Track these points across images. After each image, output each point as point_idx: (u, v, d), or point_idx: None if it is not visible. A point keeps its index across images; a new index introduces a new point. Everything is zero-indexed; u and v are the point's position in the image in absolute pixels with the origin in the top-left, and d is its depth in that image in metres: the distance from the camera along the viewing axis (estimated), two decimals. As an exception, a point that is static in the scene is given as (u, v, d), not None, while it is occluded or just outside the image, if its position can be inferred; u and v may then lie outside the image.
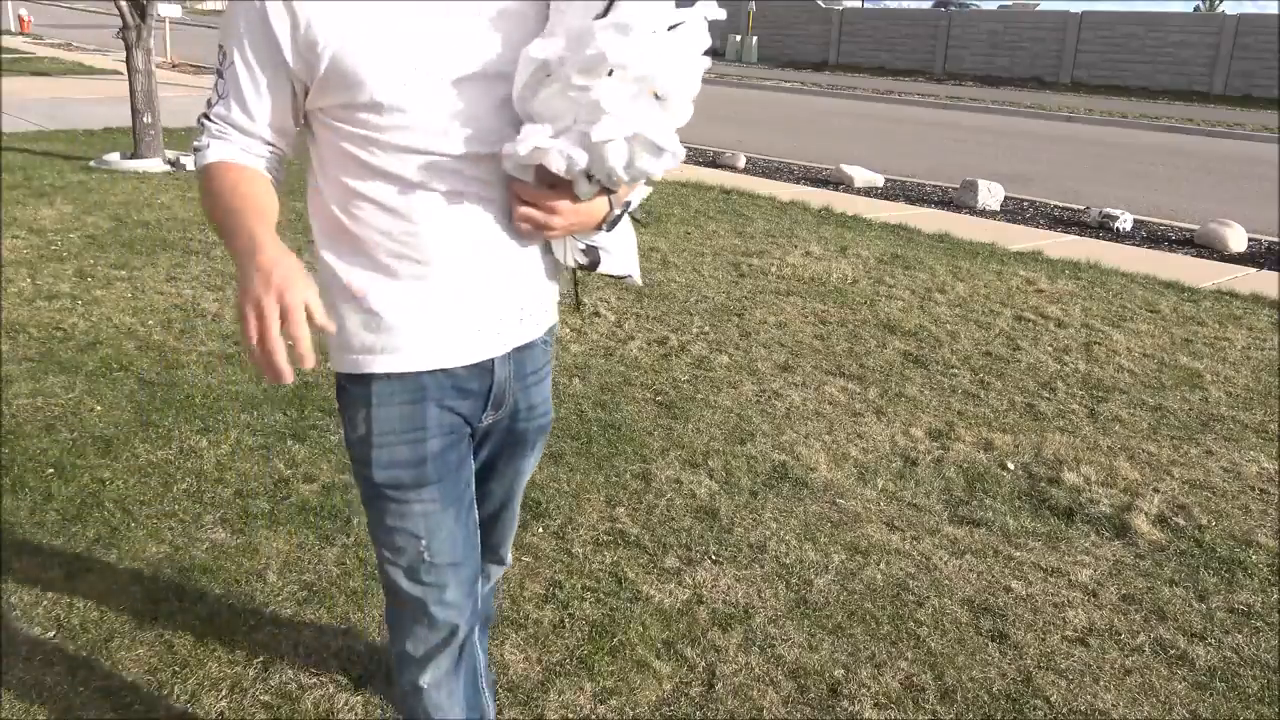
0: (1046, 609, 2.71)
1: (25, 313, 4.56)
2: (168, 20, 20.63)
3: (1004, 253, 6.92)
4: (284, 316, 1.14)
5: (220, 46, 1.36)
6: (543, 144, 1.32)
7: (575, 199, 1.41)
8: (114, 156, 8.42)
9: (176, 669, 2.28)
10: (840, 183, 9.73)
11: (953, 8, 33.22)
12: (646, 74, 1.30)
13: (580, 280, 1.75)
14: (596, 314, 5.01)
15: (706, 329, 4.90)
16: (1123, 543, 3.08)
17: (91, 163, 8.32)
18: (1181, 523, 3.21)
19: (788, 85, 23.63)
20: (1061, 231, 7.98)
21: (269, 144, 1.41)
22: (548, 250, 1.54)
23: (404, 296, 1.42)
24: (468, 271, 1.43)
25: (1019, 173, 11.28)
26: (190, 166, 7.92)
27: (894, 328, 5.06)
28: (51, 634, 2.38)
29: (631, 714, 2.23)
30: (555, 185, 1.39)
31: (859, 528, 3.08)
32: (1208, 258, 7.29)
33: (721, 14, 1.37)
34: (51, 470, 3.14)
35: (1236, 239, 7.55)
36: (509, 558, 1.93)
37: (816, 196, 8.71)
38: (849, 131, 15.18)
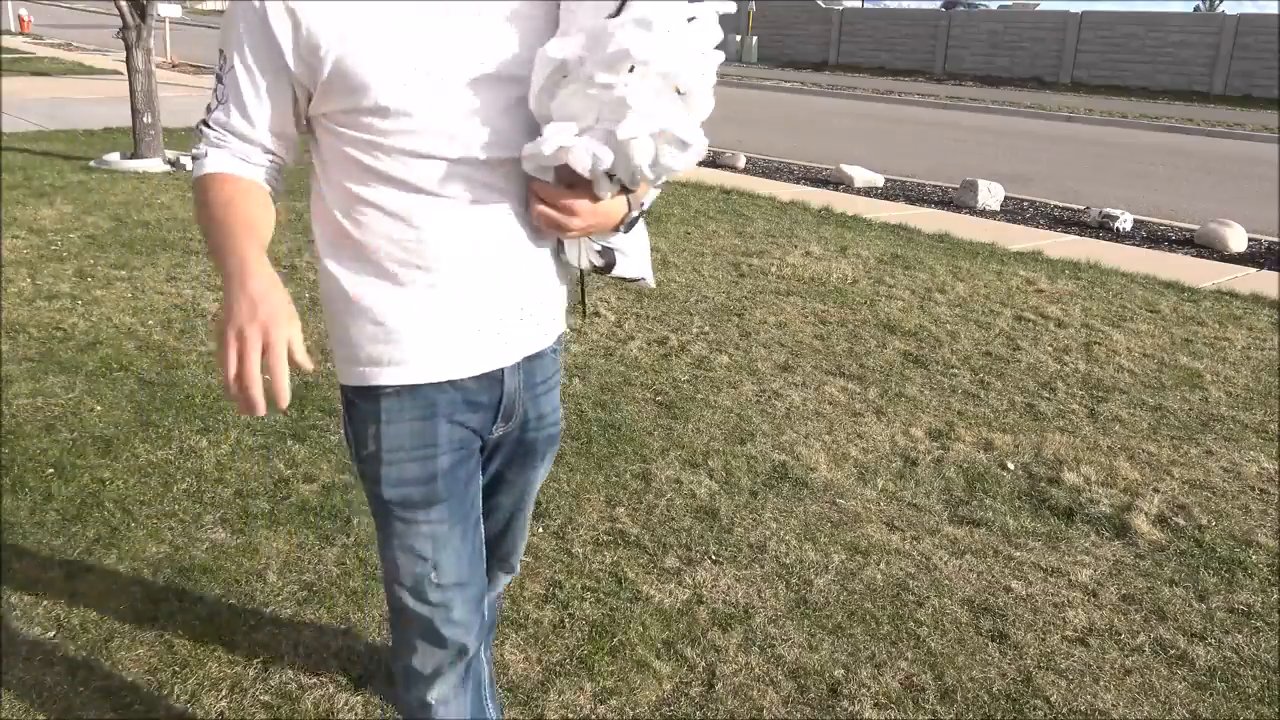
0: (1046, 609, 2.71)
1: (25, 313, 4.56)
2: (168, 20, 20.64)
3: (1004, 253, 6.93)
4: (265, 350, 1.13)
5: (220, 51, 1.35)
6: (568, 142, 1.30)
7: (595, 199, 1.39)
8: (114, 156, 8.42)
9: (176, 669, 2.28)
10: (840, 183, 9.73)
11: (961, 8, 33.17)
12: (670, 70, 1.28)
13: (586, 285, 1.73)
14: (596, 314, 5.01)
15: (706, 329, 4.90)
16: (1123, 543, 3.08)
17: (91, 163, 8.32)
18: (1181, 523, 3.21)
19: (788, 85, 23.63)
20: (1061, 231, 7.98)
21: (269, 152, 1.39)
22: (554, 254, 1.51)
23: (409, 304, 1.40)
24: (469, 274, 1.41)
25: (1019, 173, 11.28)
26: (190, 167, 7.94)
27: (894, 328, 5.06)
28: (51, 634, 2.38)
29: (631, 714, 2.23)
30: (573, 186, 1.37)
31: (859, 528, 3.08)
32: (1208, 258, 7.29)
33: (732, 7, 1.36)
34: (51, 470, 3.14)
35: (1236, 239, 7.55)
36: (518, 566, 1.92)
37: (816, 196, 8.71)
38: (849, 131, 15.18)
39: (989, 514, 3.20)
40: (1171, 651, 2.55)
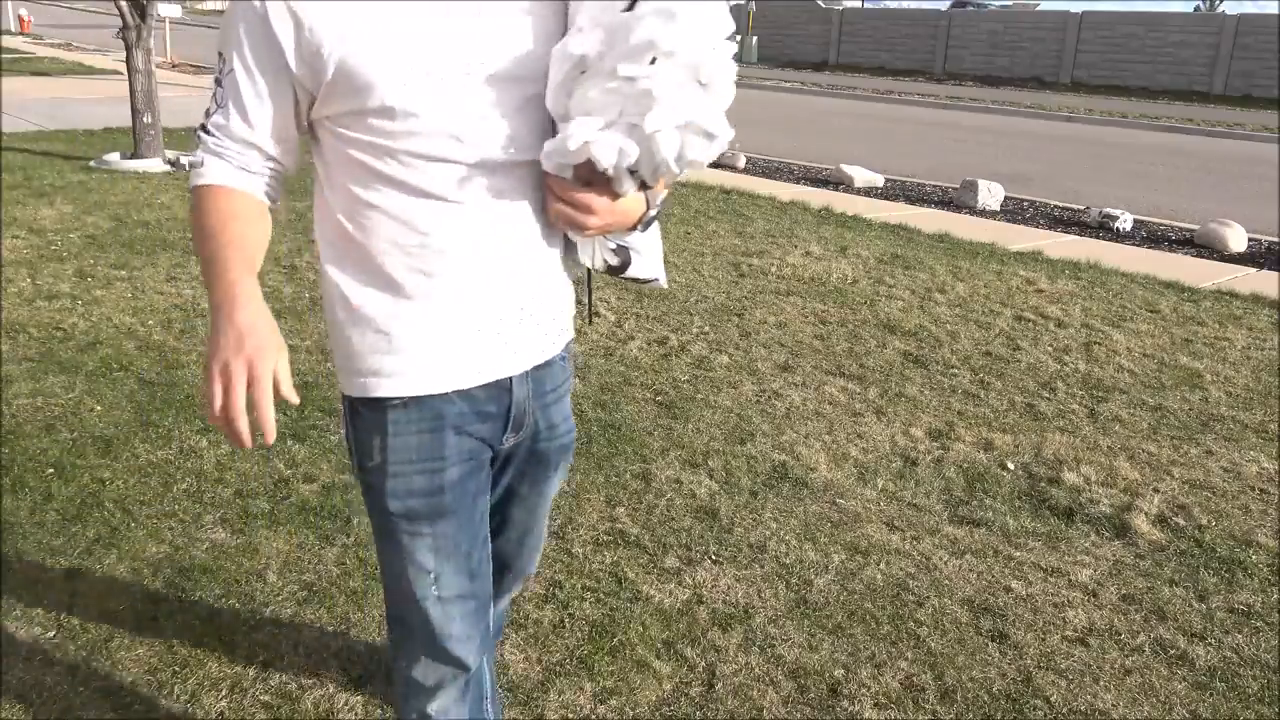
0: (1046, 609, 2.71)
1: (25, 313, 4.56)
2: (168, 20, 20.64)
3: (1004, 253, 6.93)
4: (250, 384, 1.12)
5: (219, 53, 1.32)
6: (592, 137, 1.27)
7: (613, 197, 1.36)
8: (114, 156, 8.43)
9: (176, 669, 2.28)
10: (840, 183, 9.73)
11: (970, 8, 33.10)
12: (693, 60, 1.26)
13: (591, 286, 1.72)
14: (596, 314, 5.01)
15: (706, 329, 4.90)
16: (1123, 543, 3.08)
17: (91, 163, 8.32)
18: (1181, 523, 3.21)
19: (788, 85, 23.62)
20: (1061, 231, 7.98)
21: (270, 158, 1.37)
22: (558, 256, 1.48)
23: (412, 313, 1.38)
24: (469, 274, 1.38)
25: (1019, 173, 11.28)
26: (190, 167, 7.94)
27: (894, 328, 5.06)
28: (51, 634, 2.38)
29: (631, 714, 2.23)
30: (590, 184, 1.34)
31: (859, 528, 3.08)
32: (1208, 258, 7.29)
33: None
34: (51, 470, 3.14)
35: (1236, 239, 7.55)
36: (533, 576, 1.89)
37: (816, 196, 8.71)
38: (849, 131, 15.18)
39: (989, 514, 3.20)
40: (1171, 651, 2.55)
